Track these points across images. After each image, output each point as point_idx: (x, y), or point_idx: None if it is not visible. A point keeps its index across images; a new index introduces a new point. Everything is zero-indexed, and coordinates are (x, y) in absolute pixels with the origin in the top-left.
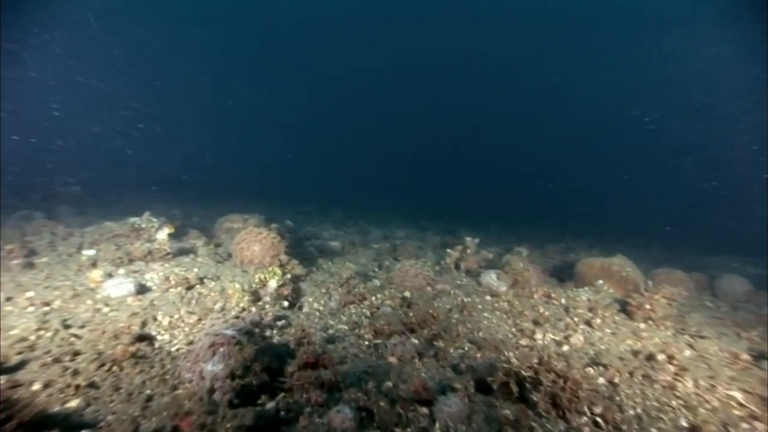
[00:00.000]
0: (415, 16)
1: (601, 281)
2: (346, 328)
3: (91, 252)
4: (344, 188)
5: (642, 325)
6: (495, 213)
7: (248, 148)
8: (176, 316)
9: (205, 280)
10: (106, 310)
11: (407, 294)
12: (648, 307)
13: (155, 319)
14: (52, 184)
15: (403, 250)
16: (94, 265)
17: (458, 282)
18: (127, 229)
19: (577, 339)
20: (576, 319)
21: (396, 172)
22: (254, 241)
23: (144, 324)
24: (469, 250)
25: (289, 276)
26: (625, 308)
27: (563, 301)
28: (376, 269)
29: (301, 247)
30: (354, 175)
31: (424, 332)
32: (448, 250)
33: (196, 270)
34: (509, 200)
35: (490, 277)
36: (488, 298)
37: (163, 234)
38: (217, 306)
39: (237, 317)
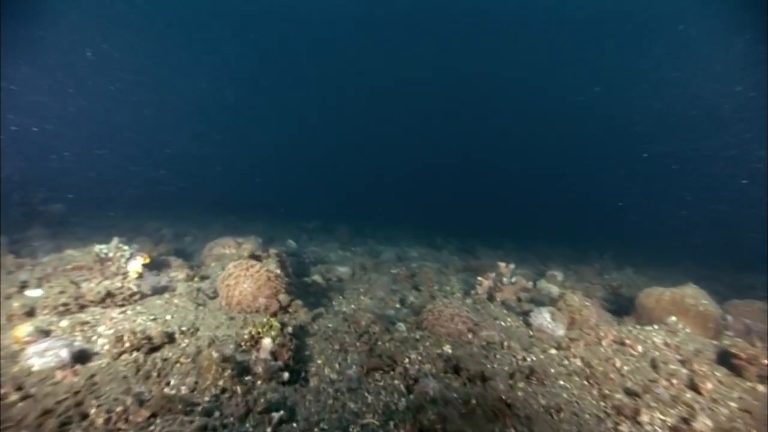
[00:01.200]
0: (428, 22)
1: (673, 318)
2: (376, 421)
3: (37, 293)
4: (349, 201)
5: (762, 389)
6: (505, 226)
7: (248, 161)
8: (119, 409)
9: (176, 336)
10: (14, 397)
11: (448, 349)
12: (765, 362)
13: (83, 416)
14: (32, 201)
15: (423, 276)
16: (30, 314)
17: (503, 323)
18: (90, 259)
19: (703, 424)
20: (674, 381)
21: (403, 185)
22: (245, 277)
23: (63, 426)
24: (504, 279)
25: (290, 329)
26: (725, 360)
27: (640, 349)
28: (398, 305)
29: (305, 274)
30: (360, 187)
31: None
32: (480, 278)
33: (168, 317)
34: (520, 213)
35: (544, 318)
36: (554, 352)
37: (135, 265)
38: (185, 386)
39: (208, 414)
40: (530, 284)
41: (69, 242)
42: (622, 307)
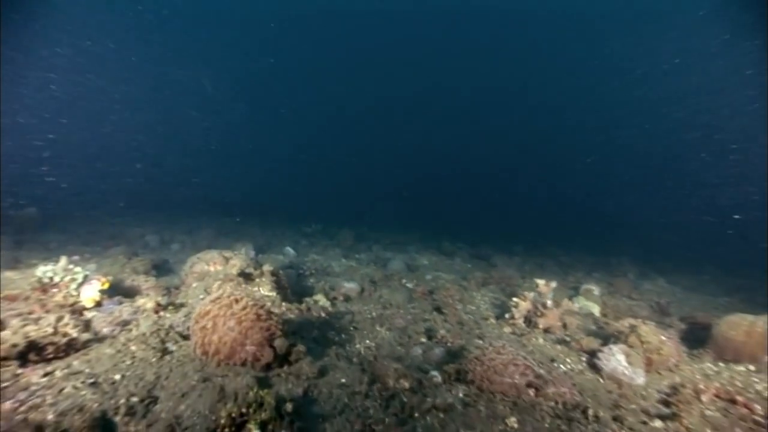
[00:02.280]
0: (443, 26)
1: None
2: None
3: None
4: (351, 203)
5: None
6: (513, 228)
7: (245, 161)
8: None
9: (119, 418)
10: None
11: (514, 423)
12: None
13: None
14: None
15: (443, 293)
16: None
17: (562, 366)
18: (29, 285)
19: None
20: None
21: (406, 187)
22: (227, 317)
23: None
24: (548, 302)
25: (289, 406)
26: None
27: (759, 410)
28: (424, 338)
29: (306, 292)
30: (361, 189)
31: None
32: (516, 299)
33: (117, 378)
34: (527, 215)
35: (618, 361)
36: (658, 424)
37: (91, 292)
38: None
39: None
40: (576, 306)
41: (34, 254)
42: (686, 334)
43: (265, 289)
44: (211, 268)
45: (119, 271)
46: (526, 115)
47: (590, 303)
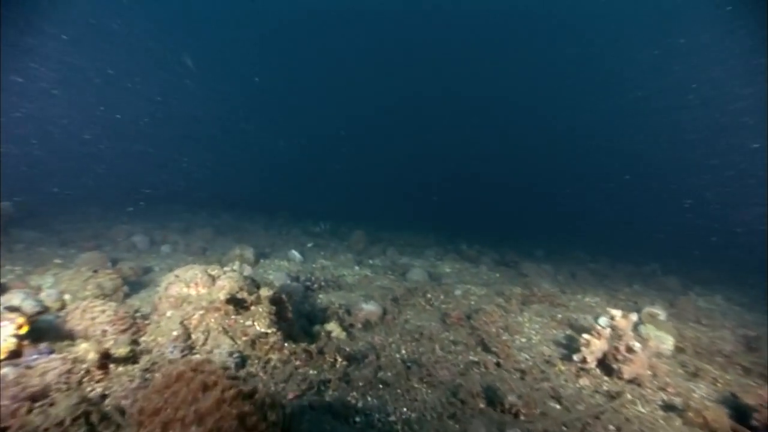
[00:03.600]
0: (467, 25)
1: None
2: None
3: None
4: (360, 200)
5: None
6: (530, 227)
7: (250, 156)
8: None
9: None
10: None
11: None
12: None
13: None
14: None
15: (483, 319)
16: None
17: None
18: None
19: None
20: None
21: (418, 185)
22: (186, 424)
23: None
24: (634, 343)
25: None
26: None
27: None
28: (483, 404)
29: (315, 319)
30: (370, 185)
31: None
32: (587, 337)
33: None
34: (542, 214)
35: None
36: None
37: (2, 336)
38: None
39: None
40: (666, 345)
41: None
42: None
43: (261, 324)
44: (192, 291)
45: (80, 287)
46: (537, 118)
47: (662, 333)
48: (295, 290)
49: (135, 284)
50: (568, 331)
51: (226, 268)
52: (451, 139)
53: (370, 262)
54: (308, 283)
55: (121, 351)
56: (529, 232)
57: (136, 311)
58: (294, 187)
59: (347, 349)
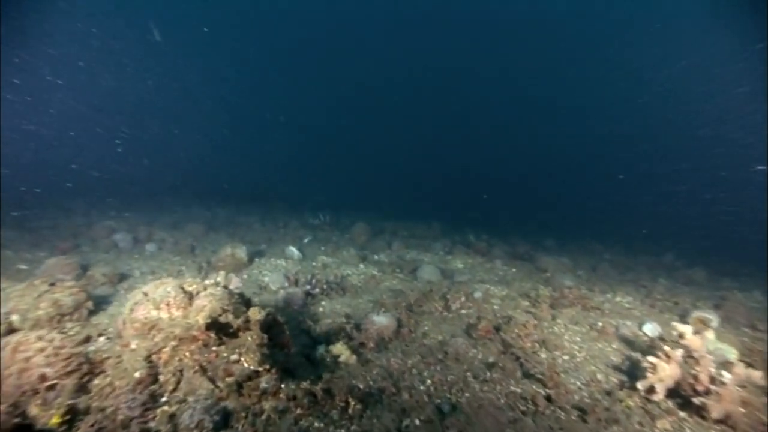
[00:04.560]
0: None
1: None
2: None
3: None
4: (357, 186)
5: None
6: (532, 215)
7: (242, 143)
8: None
9: None
10: None
11: None
12: None
13: None
14: None
15: (516, 331)
16: None
17: None
18: None
19: None
20: None
21: (418, 173)
22: None
23: None
24: (726, 375)
25: None
26: None
27: None
28: None
29: (318, 337)
30: (368, 172)
31: None
32: (653, 360)
33: None
34: (542, 202)
35: None
36: None
37: None
38: None
39: None
40: (758, 375)
41: None
42: None
43: (250, 359)
44: (164, 315)
45: (32, 305)
46: (539, 102)
47: (723, 346)
48: (293, 298)
49: (104, 297)
50: (614, 344)
51: (207, 281)
52: (452, 126)
53: (376, 257)
54: (309, 287)
55: (54, 419)
56: (534, 219)
57: (101, 333)
58: (290, 176)
59: (360, 386)
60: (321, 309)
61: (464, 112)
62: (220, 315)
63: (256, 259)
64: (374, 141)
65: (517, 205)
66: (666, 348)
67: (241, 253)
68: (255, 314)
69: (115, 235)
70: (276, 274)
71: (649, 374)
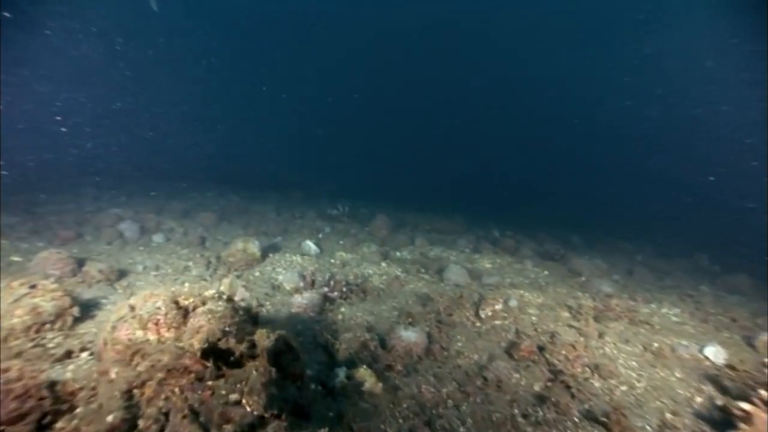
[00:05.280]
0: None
1: None
2: None
3: None
4: (375, 173)
5: None
6: (555, 208)
7: (258, 126)
8: None
9: None
10: None
11: None
12: None
13: None
14: None
15: (564, 352)
16: None
17: None
18: None
19: None
20: None
21: (437, 160)
22: None
23: None
24: None
25: None
26: None
27: None
28: None
29: (339, 351)
30: (387, 160)
31: None
32: (742, 408)
33: None
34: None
35: None
36: None
37: None
38: None
39: None
40: None
41: None
42: None
43: (254, 403)
44: (151, 336)
45: (7, 311)
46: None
47: None
48: (310, 304)
49: (97, 299)
50: (677, 372)
51: (207, 293)
52: (475, 116)
53: (398, 254)
54: (327, 289)
55: None
56: (559, 212)
57: (84, 348)
58: (308, 164)
59: (389, 409)
60: (340, 316)
61: (487, 102)
62: (219, 339)
63: (270, 255)
64: (394, 130)
65: (541, 198)
66: (763, 393)
67: (254, 247)
68: (262, 339)
69: (120, 225)
70: (291, 273)
71: (741, 425)
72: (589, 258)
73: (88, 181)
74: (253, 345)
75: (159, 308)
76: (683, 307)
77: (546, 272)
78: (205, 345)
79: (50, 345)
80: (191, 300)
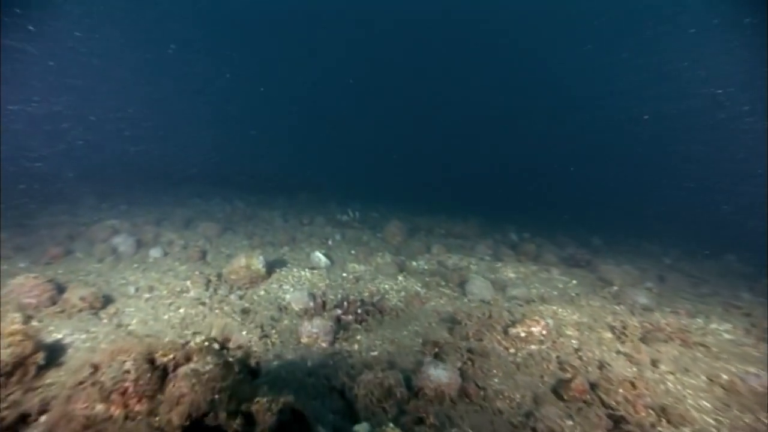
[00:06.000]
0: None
1: None
2: None
3: None
4: (385, 175)
5: None
6: (566, 207)
7: (271, 130)
8: None
9: None
10: None
11: None
12: None
13: None
14: None
15: (621, 392)
16: None
17: None
18: None
19: None
20: None
21: (445, 160)
22: None
23: None
24: None
25: None
26: None
27: None
28: None
29: (353, 403)
30: (396, 161)
31: None
32: None
33: None
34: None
35: None
36: None
37: None
38: None
39: None
40: None
41: None
42: None
43: None
44: (116, 411)
45: None
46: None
47: None
48: (321, 332)
49: (71, 336)
50: (762, 416)
51: (194, 342)
52: (487, 116)
53: (415, 264)
54: (340, 311)
55: None
56: (574, 212)
57: (43, 410)
58: (317, 167)
59: None
60: (356, 346)
61: (498, 102)
62: (206, 414)
63: (277, 270)
64: (403, 132)
65: (555, 197)
66: None
67: (258, 263)
68: (262, 412)
69: (115, 239)
70: (300, 292)
71: None
72: (617, 263)
73: (90, 189)
74: (250, 421)
75: (128, 371)
76: (733, 322)
77: (574, 281)
78: (187, 423)
79: (2, 406)
80: (171, 356)
